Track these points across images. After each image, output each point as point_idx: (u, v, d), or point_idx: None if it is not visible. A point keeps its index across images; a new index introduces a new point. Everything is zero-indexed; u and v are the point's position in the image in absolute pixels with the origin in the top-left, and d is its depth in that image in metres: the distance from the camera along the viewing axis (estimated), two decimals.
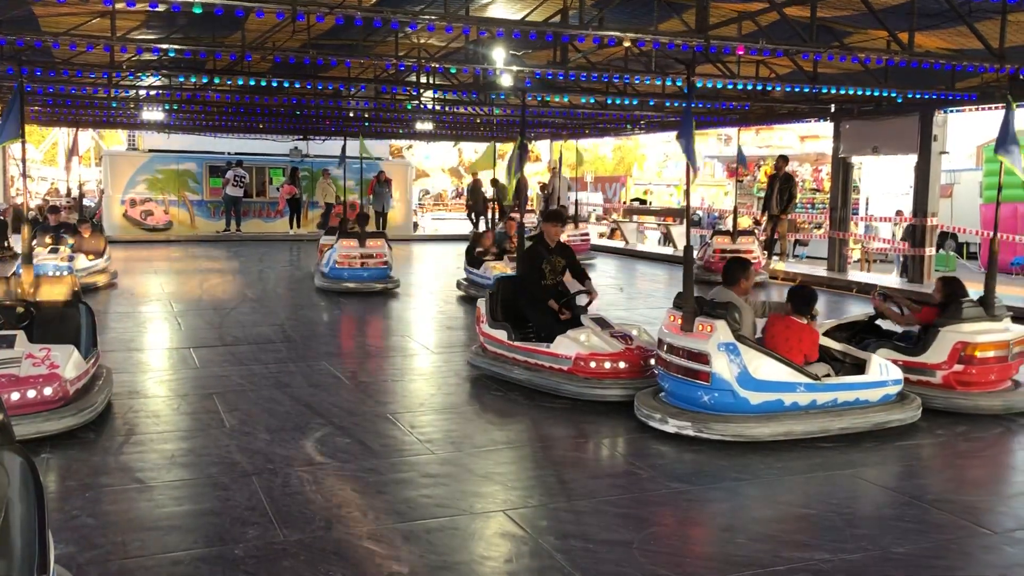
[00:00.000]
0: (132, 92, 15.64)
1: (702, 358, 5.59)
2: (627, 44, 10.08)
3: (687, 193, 6.45)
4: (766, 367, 5.56)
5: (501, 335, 7.13)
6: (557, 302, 7.17)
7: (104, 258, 13.06)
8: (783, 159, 16.18)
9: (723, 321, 5.61)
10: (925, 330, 6.64)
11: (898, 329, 7.06)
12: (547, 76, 12.25)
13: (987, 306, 6.66)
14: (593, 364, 6.47)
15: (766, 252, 15.46)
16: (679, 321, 5.85)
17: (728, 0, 9.44)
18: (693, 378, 5.64)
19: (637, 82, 13.86)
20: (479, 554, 3.97)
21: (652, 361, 6.37)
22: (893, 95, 12.57)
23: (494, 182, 21.03)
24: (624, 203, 28.93)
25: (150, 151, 23.22)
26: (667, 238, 21.41)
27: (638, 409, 5.93)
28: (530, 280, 7.36)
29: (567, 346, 6.59)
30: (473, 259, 12.34)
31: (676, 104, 15.22)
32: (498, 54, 11.18)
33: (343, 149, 15.22)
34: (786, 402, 5.61)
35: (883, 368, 5.98)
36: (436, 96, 15.32)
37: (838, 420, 5.72)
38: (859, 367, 6.03)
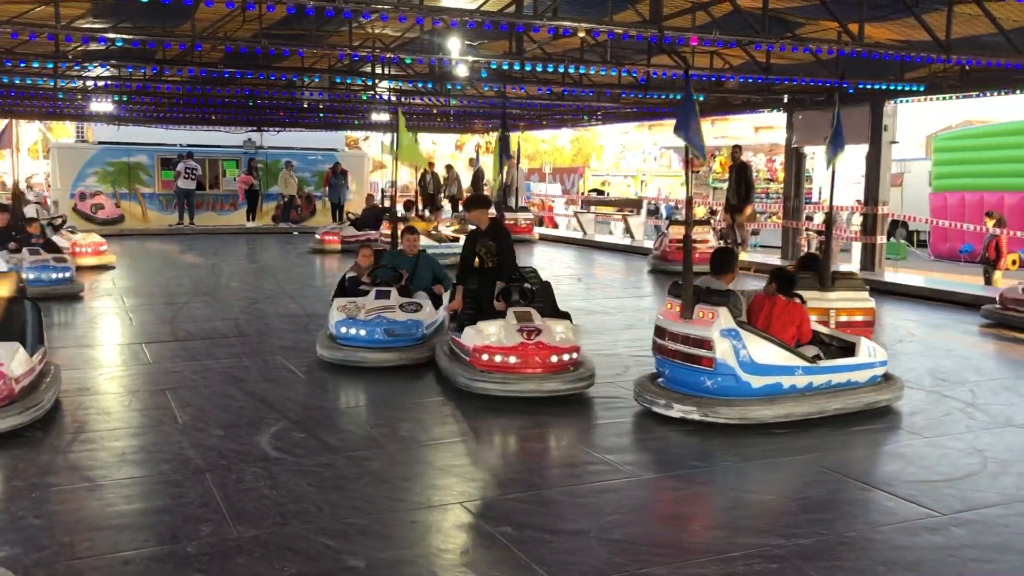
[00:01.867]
0: (79, 83, 15.30)
1: (705, 344, 5.71)
2: (582, 35, 10.09)
3: (687, 182, 6.45)
4: (766, 351, 5.74)
5: (447, 323, 7.33)
6: (494, 288, 7.01)
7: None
8: (737, 148, 16.33)
9: (725, 308, 5.75)
10: None
11: None
12: (503, 67, 12.23)
13: (821, 279, 7.49)
14: (485, 357, 6.30)
15: (722, 242, 15.60)
16: (677, 309, 5.96)
17: None
18: (696, 364, 5.76)
19: (593, 73, 13.89)
20: (436, 546, 3.95)
21: (554, 359, 6.26)
22: (844, 85, 12.75)
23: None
24: (582, 194, 29.00)
25: (100, 143, 22.75)
26: (625, 229, 21.52)
27: (640, 396, 6.01)
28: (462, 263, 7.35)
29: (469, 336, 6.50)
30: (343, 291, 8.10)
31: (633, 95, 15.30)
32: (453, 44, 11.14)
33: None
34: (784, 385, 5.80)
35: (871, 350, 6.27)
36: (391, 87, 15.21)
37: (833, 401, 5.94)
38: (845, 349, 6.28)
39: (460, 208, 22.99)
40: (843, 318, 7.43)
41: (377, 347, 7.21)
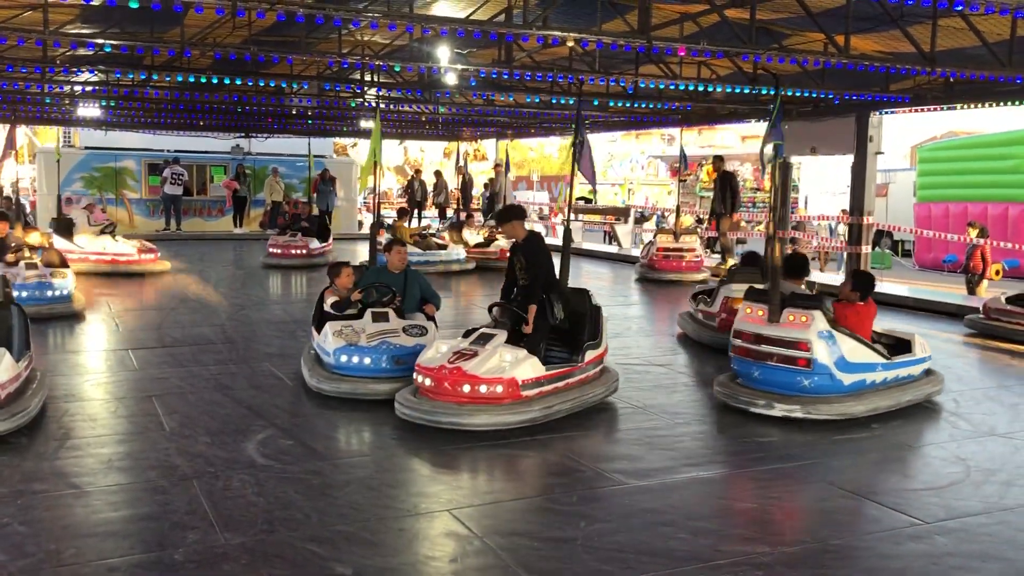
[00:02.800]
0: (67, 88, 15.23)
1: (803, 346, 6.10)
2: (571, 44, 10.14)
3: (779, 191, 6.81)
4: (855, 350, 6.23)
5: None
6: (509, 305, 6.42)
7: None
8: (718, 159, 16.38)
9: (819, 311, 6.18)
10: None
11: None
12: (492, 75, 12.26)
13: (763, 271, 8.34)
14: (415, 375, 5.90)
15: (708, 251, 15.66)
16: (761, 312, 6.38)
17: (670, 1, 9.57)
18: (792, 364, 6.13)
19: (582, 81, 13.94)
20: (424, 554, 3.96)
21: (467, 388, 5.63)
22: (830, 96, 12.85)
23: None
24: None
25: (86, 148, 22.65)
26: (611, 236, 21.59)
27: (733, 396, 6.29)
28: (505, 280, 6.75)
29: (423, 352, 6.10)
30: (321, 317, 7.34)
31: (621, 104, 15.37)
32: (442, 52, 11.17)
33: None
34: (867, 381, 6.29)
35: (922, 346, 6.88)
36: (380, 94, 15.23)
37: (903, 394, 6.44)
38: (898, 345, 6.83)
39: (447, 215, 23.05)
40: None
41: (384, 377, 6.41)
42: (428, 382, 5.74)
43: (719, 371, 8.30)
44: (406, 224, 16.52)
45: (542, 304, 6.32)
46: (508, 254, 6.84)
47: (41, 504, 4.40)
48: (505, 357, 5.85)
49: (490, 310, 6.55)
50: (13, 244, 10.69)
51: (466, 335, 6.24)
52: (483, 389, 5.66)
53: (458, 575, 3.71)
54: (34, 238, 11.32)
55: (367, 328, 6.68)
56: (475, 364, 5.73)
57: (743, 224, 19.01)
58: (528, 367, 5.85)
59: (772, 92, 12.40)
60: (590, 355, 6.41)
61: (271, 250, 15.40)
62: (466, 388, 5.65)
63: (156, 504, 4.41)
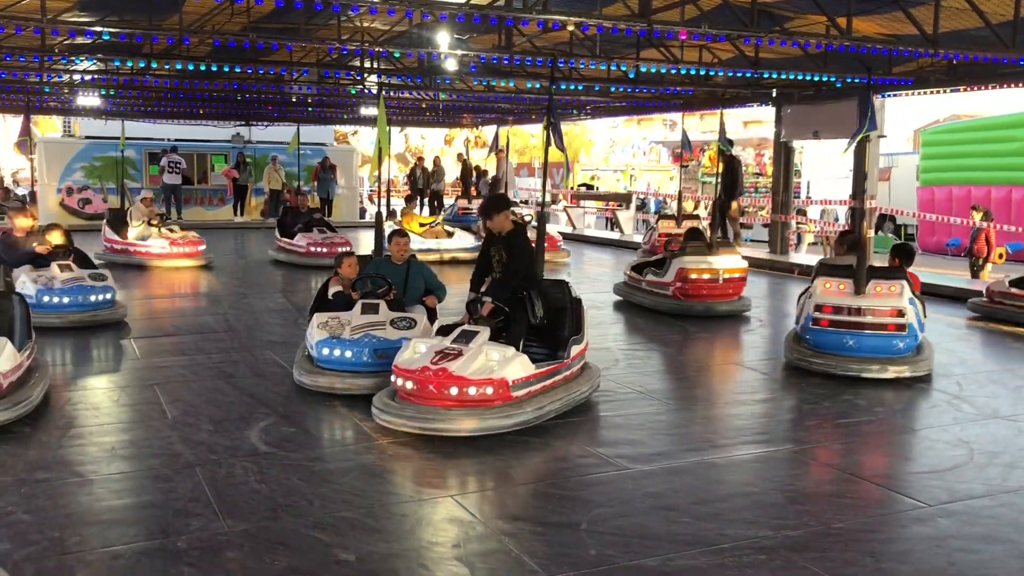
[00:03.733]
0: (66, 77, 15.19)
1: (898, 312, 6.89)
2: (571, 28, 10.10)
3: (859, 187, 7.00)
4: (919, 312, 7.13)
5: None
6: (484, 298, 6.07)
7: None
8: (721, 152, 16.20)
9: (903, 281, 7.02)
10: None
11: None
12: (492, 60, 12.21)
13: (710, 246, 10.08)
14: (398, 380, 5.45)
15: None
16: (843, 286, 7.09)
17: None
18: (886, 330, 6.91)
19: (583, 67, 13.89)
20: (427, 540, 3.96)
21: (454, 390, 5.24)
22: (832, 80, 12.79)
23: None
24: (571, 188, 29.04)
25: (86, 138, 22.60)
26: (613, 223, 21.54)
27: (841, 366, 6.82)
28: (474, 270, 6.44)
29: (400, 352, 5.67)
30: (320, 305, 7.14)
31: (621, 89, 15.31)
32: (442, 38, 11.11)
33: None
34: (919, 339, 7.16)
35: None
36: (380, 80, 15.17)
37: (928, 349, 7.23)
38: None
39: (443, 203, 23.00)
40: (726, 275, 9.80)
41: (365, 372, 6.17)
42: (410, 385, 5.32)
43: (724, 355, 8.31)
44: (415, 211, 16.41)
45: (523, 301, 6.02)
46: (485, 243, 6.41)
47: (45, 492, 4.40)
48: (492, 356, 5.46)
49: (470, 307, 6.07)
50: (36, 243, 9.06)
51: (442, 332, 5.89)
52: (472, 391, 5.26)
53: (461, 560, 3.71)
54: (55, 238, 9.28)
55: (353, 320, 6.40)
56: (461, 364, 5.32)
57: (748, 210, 18.95)
58: (518, 366, 5.47)
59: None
60: (575, 350, 6.09)
61: (311, 248, 13.58)
62: (453, 391, 5.25)
63: (159, 492, 4.41)
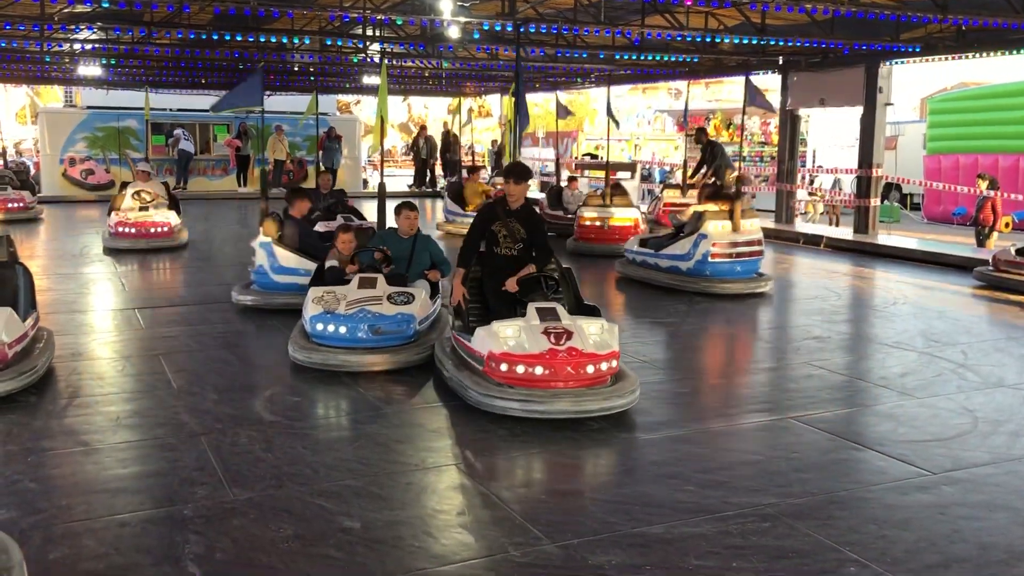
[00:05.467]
0: (66, 46, 15.08)
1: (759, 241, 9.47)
2: None
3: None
4: None
5: (450, 319, 6.14)
6: (514, 279, 5.90)
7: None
8: (701, 131, 15.87)
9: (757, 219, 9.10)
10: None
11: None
12: (495, 28, 12.08)
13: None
14: (504, 367, 5.13)
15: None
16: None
17: None
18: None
19: (587, 34, 13.74)
20: (432, 507, 3.98)
21: (591, 369, 5.16)
22: (839, 47, 12.65)
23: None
24: (575, 158, 28.88)
25: (88, 108, 22.50)
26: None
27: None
28: (468, 244, 6.10)
29: (482, 341, 5.32)
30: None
31: (626, 57, 15.15)
32: (445, 5, 10.98)
33: None
34: None
35: None
36: (382, 49, 15.04)
37: None
38: None
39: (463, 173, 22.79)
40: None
41: (360, 348, 6.06)
42: (540, 370, 5.08)
43: (728, 323, 8.29)
44: (480, 180, 15.09)
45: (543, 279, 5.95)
46: (483, 216, 6.19)
47: (51, 461, 4.43)
48: (591, 329, 5.34)
49: (514, 294, 5.85)
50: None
51: (486, 315, 5.78)
52: (603, 367, 5.22)
53: (466, 528, 3.73)
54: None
55: (349, 295, 6.24)
56: (582, 342, 5.20)
57: (753, 178, 18.76)
58: (614, 337, 5.38)
59: (781, 43, 12.18)
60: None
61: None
62: (590, 369, 5.14)
63: (165, 461, 4.43)
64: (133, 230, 11.95)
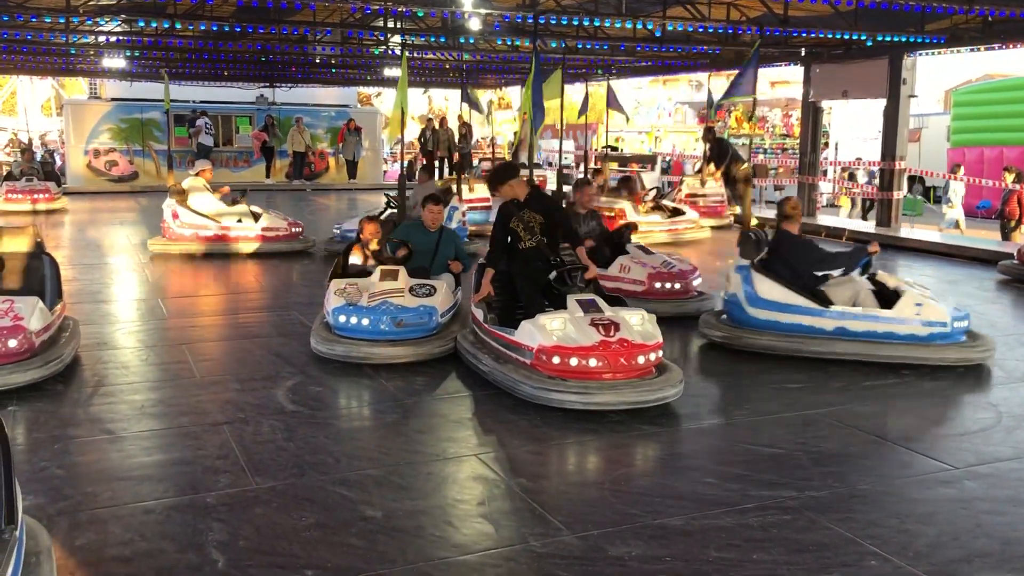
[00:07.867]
0: (91, 38, 15.21)
1: None
2: None
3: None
4: None
5: (479, 314, 6.04)
6: (546, 271, 5.89)
7: None
8: (709, 130, 15.72)
9: None
10: None
11: None
12: (516, 19, 12.07)
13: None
14: (556, 359, 5.12)
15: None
16: None
17: None
18: None
19: (608, 26, 13.69)
20: (452, 497, 4.00)
21: (641, 359, 5.17)
22: (863, 38, 12.53)
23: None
24: (595, 150, 28.82)
25: (112, 100, 22.69)
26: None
27: None
28: (494, 245, 6.17)
29: (530, 334, 5.27)
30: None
31: (648, 48, 15.09)
32: None
33: None
34: None
35: None
36: (403, 41, 15.06)
37: None
38: None
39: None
40: None
41: (383, 340, 6.03)
42: (593, 362, 5.09)
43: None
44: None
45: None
46: (501, 216, 6.12)
47: (77, 449, 4.49)
48: (633, 320, 5.35)
49: (544, 287, 5.88)
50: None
51: (509, 309, 5.85)
52: (652, 357, 5.25)
53: (486, 517, 3.75)
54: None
55: (371, 287, 6.25)
56: (630, 333, 5.21)
57: (772, 169, 18.61)
58: (656, 328, 5.40)
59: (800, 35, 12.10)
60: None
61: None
62: (640, 359, 5.16)
63: (188, 449, 4.48)
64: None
